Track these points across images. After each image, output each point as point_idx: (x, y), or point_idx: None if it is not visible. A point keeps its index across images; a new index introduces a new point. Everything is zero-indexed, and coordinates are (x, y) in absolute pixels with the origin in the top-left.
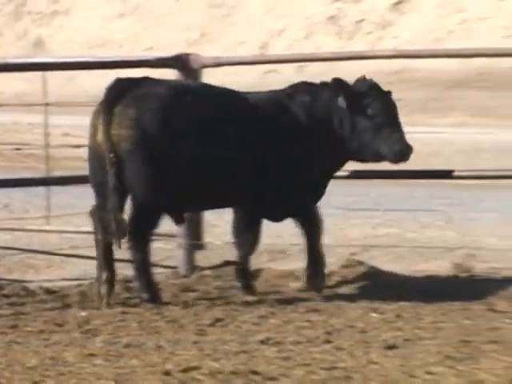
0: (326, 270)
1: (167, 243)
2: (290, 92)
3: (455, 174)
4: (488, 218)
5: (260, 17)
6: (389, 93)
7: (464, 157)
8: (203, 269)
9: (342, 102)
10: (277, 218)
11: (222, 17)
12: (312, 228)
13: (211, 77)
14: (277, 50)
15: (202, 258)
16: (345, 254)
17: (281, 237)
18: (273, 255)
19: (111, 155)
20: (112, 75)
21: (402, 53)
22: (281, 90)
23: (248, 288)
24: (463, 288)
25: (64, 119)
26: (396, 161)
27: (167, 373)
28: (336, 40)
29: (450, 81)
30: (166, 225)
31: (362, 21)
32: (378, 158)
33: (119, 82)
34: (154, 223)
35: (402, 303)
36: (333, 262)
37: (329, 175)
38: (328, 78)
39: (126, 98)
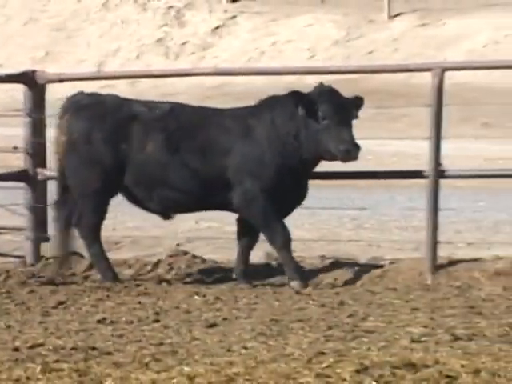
0: (155, 259)
1: (16, 236)
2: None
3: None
4: (297, 212)
5: (97, 39)
6: (347, 98)
7: None
8: (48, 258)
9: (300, 109)
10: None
11: (65, 38)
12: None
13: (56, 91)
14: (112, 67)
15: (46, 249)
16: (172, 244)
17: (116, 230)
18: (109, 246)
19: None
20: None
21: (220, 71)
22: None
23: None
24: (274, 274)
25: None
26: (344, 159)
27: (16, 349)
28: (164, 59)
29: (261, 95)
30: (17, 220)
31: (186, 43)
32: (330, 157)
33: (76, 94)
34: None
35: (221, 287)
36: (161, 251)
37: (298, 175)
38: (157, 93)
39: (69, 108)
